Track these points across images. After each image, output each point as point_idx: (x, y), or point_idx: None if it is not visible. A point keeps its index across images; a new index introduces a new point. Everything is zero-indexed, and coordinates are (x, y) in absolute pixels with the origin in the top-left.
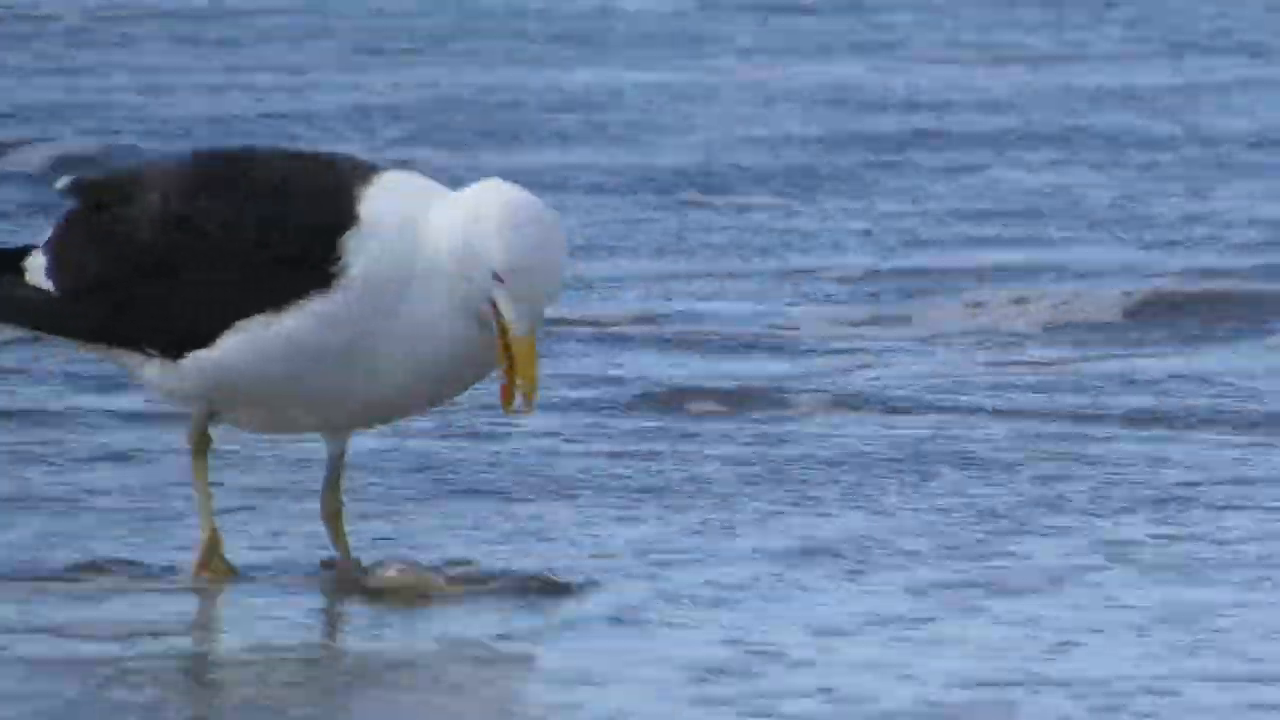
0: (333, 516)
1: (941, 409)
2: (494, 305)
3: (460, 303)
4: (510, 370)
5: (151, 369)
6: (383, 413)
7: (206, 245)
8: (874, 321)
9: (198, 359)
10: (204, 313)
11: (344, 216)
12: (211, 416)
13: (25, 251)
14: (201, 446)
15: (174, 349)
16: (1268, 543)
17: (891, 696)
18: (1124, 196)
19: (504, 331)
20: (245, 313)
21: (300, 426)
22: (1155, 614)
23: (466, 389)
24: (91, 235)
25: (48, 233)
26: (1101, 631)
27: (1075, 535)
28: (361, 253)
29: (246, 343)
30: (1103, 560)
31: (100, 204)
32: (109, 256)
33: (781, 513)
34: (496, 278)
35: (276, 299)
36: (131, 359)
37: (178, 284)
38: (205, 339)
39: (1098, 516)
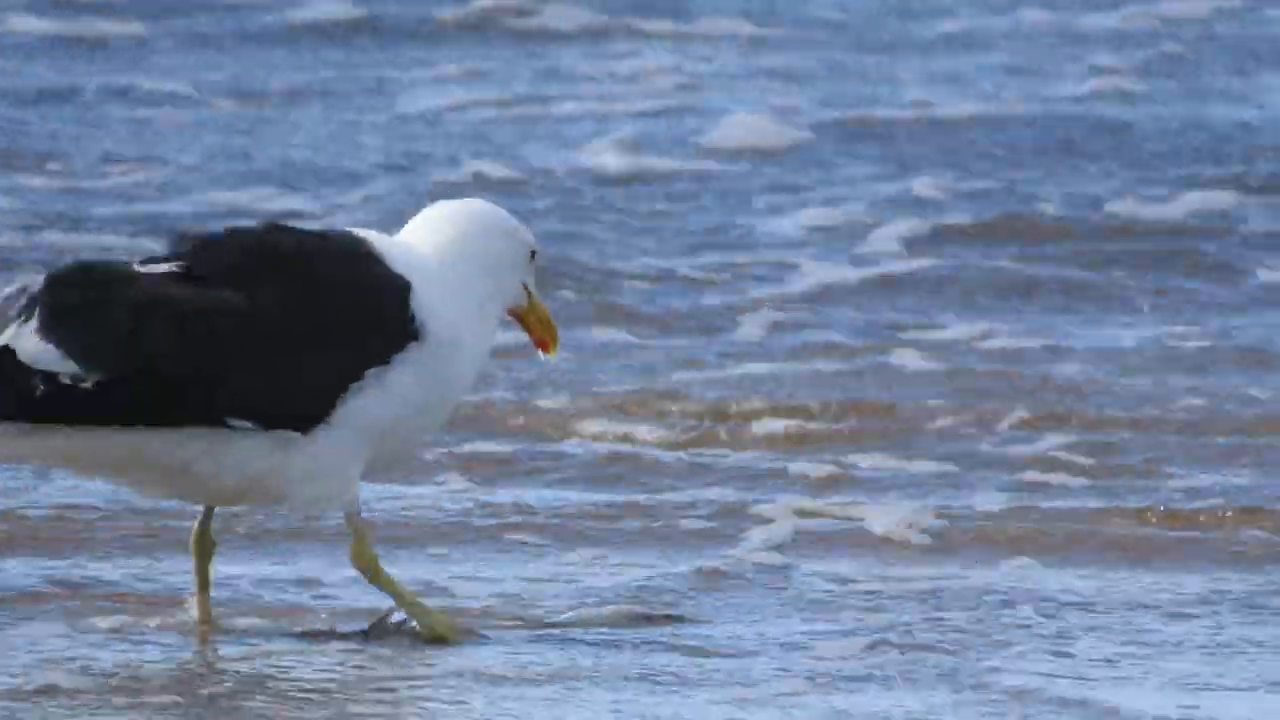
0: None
1: None
2: (525, 287)
3: (493, 314)
4: (539, 330)
5: (252, 453)
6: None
7: (298, 322)
8: None
9: (318, 429)
10: (320, 379)
11: (400, 279)
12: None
13: None
14: (365, 540)
15: (295, 421)
16: None
17: None
18: None
19: (532, 305)
20: (356, 375)
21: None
22: None
23: None
24: (148, 316)
25: (34, 315)
26: None
27: None
28: (425, 309)
29: (365, 402)
30: None
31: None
32: (192, 340)
33: None
34: (532, 257)
35: (379, 357)
36: (220, 447)
37: (279, 356)
38: (326, 406)
39: None
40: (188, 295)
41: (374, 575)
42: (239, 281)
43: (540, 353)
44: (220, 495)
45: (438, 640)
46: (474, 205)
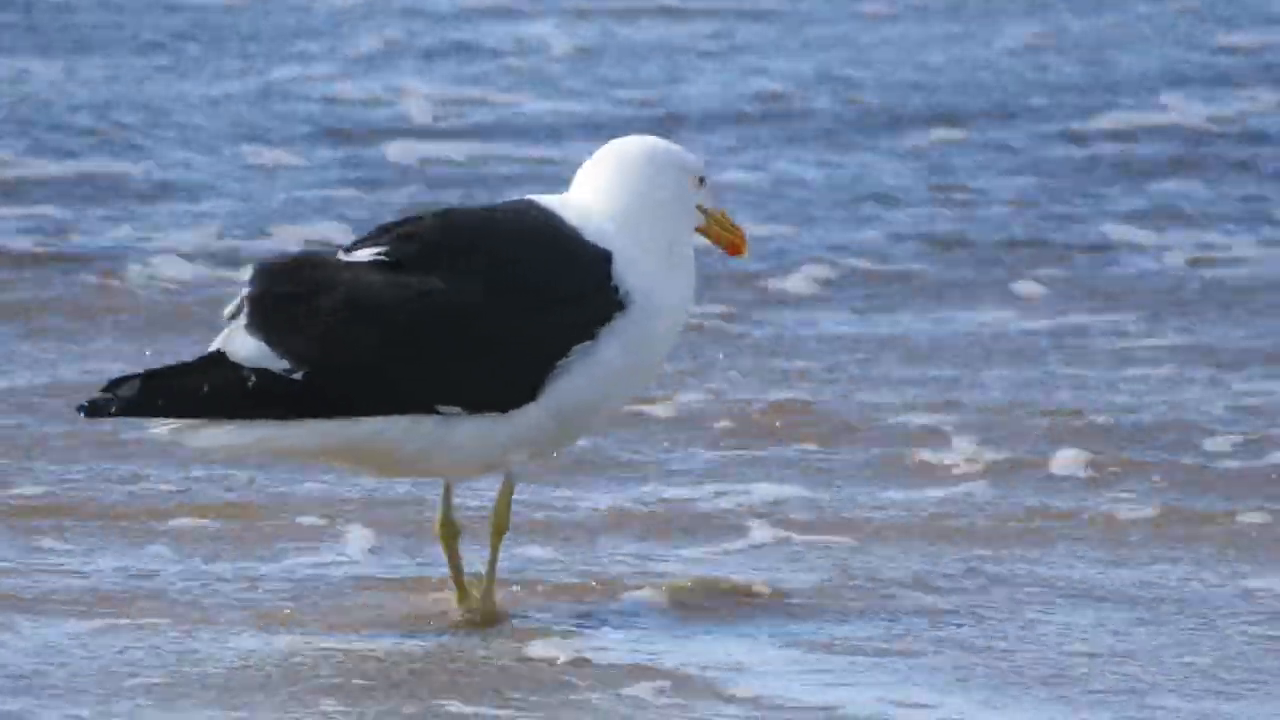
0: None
1: None
2: (700, 208)
3: (685, 256)
4: (724, 238)
5: (465, 432)
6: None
7: (499, 299)
8: None
9: (528, 410)
10: (525, 362)
11: (597, 250)
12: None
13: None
14: (508, 507)
15: (501, 404)
16: None
17: None
18: None
19: (709, 217)
20: (563, 352)
21: (571, 443)
22: None
23: None
24: (339, 306)
25: (239, 322)
26: None
27: None
28: (625, 275)
29: (573, 379)
30: None
31: (314, 284)
32: (397, 331)
33: None
34: (700, 182)
35: (586, 332)
36: (428, 430)
37: (484, 343)
38: (532, 388)
39: None
40: (390, 285)
41: (495, 538)
42: (439, 267)
43: (732, 256)
44: (424, 471)
45: (485, 619)
46: (634, 148)
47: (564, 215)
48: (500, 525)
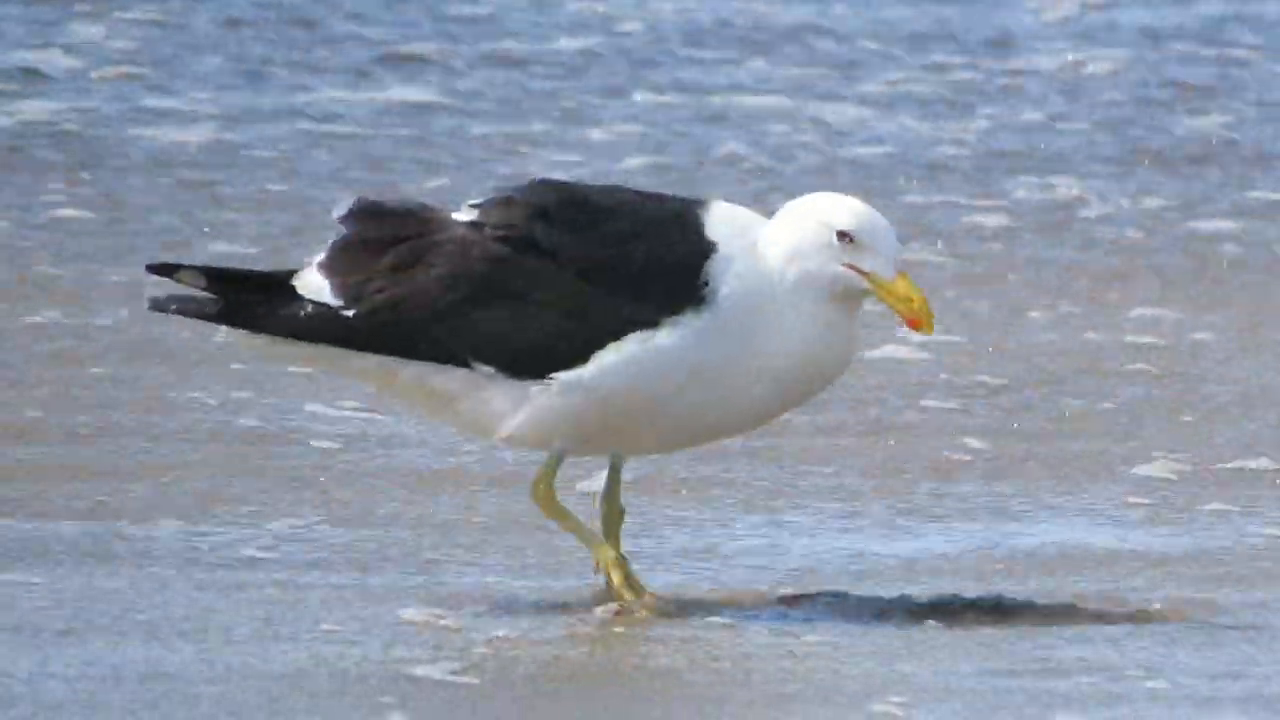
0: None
1: None
2: (854, 268)
3: (816, 306)
4: (902, 307)
5: (498, 398)
6: (721, 432)
7: (570, 269)
8: None
9: (567, 380)
10: (573, 333)
11: (703, 244)
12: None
13: (288, 274)
14: (551, 495)
15: (534, 370)
16: None
17: None
18: None
19: (877, 285)
20: (619, 332)
21: (634, 449)
22: None
23: (807, 400)
24: (413, 255)
25: (317, 255)
26: None
27: None
28: (723, 276)
29: (622, 360)
30: None
31: (402, 234)
32: (445, 275)
33: None
34: (844, 238)
35: (651, 317)
36: (466, 387)
37: (535, 306)
38: (572, 359)
39: None
40: (456, 239)
41: (547, 508)
42: (528, 230)
43: (918, 329)
44: (464, 425)
45: (610, 581)
46: (807, 197)
47: (696, 209)
48: (543, 499)
